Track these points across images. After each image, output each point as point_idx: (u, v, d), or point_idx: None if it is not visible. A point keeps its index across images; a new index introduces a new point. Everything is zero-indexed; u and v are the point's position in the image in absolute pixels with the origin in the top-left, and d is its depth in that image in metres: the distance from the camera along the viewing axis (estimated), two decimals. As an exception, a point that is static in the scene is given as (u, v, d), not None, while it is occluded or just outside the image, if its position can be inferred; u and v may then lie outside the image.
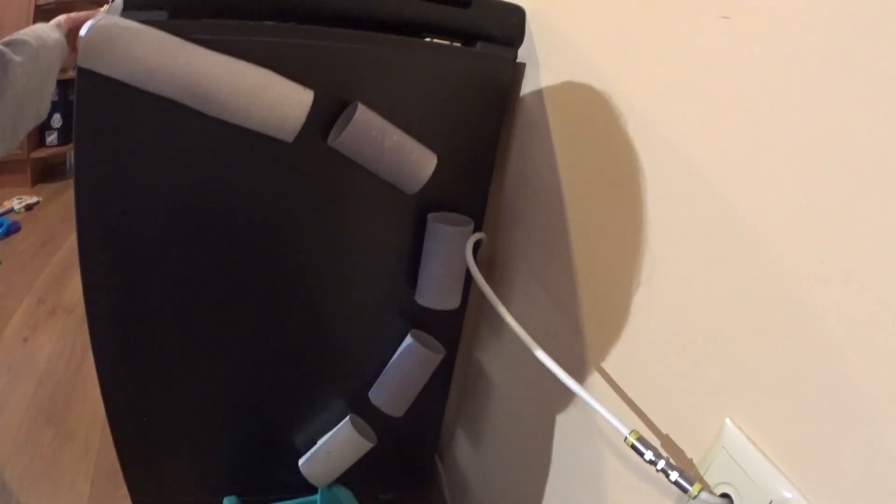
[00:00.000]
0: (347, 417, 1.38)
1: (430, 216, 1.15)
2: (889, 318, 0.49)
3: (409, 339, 1.28)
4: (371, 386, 1.35)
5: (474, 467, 1.47)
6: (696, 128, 0.71)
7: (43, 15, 3.57)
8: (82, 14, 1.06)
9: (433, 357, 1.27)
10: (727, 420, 0.67)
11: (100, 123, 1.01)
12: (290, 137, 1.00)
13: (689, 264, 0.73)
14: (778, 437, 0.61)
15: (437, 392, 1.45)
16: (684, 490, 0.69)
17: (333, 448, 1.38)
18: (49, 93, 0.95)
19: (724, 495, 0.67)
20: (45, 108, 0.94)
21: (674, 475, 0.70)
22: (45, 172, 4.07)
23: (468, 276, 1.17)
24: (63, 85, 3.79)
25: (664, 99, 0.77)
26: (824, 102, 0.55)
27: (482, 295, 1.08)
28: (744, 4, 0.64)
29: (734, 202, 0.66)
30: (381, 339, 1.32)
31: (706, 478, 0.70)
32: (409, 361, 1.29)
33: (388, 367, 1.32)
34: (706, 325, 0.71)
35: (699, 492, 0.68)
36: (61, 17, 1.05)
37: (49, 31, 0.98)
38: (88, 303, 1.15)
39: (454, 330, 1.35)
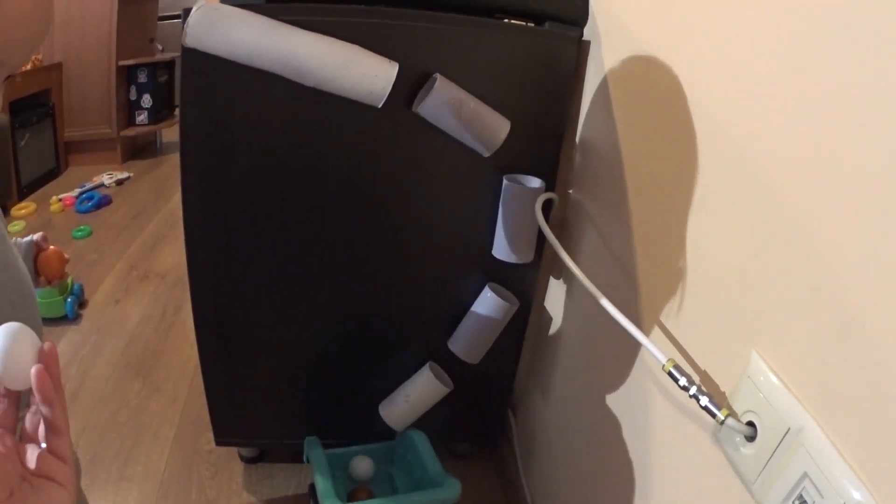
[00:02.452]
0: (427, 364, 1.47)
1: (505, 177, 1.24)
2: (890, 257, 0.54)
3: (486, 291, 1.36)
4: (449, 336, 1.44)
5: (542, 421, 1.52)
6: (738, 96, 0.77)
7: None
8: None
9: (508, 308, 1.35)
10: (753, 352, 0.71)
11: (204, 95, 1.14)
12: (378, 103, 1.10)
13: (725, 222, 0.79)
14: (798, 368, 0.65)
15: (510, 344, 1.52)
16: (713, 415, 0.74)
17: (412, 392, 1.46)
18: None
19: (750, 423, 0.71)
20: None
21: (704, 400, 0.75)
22: (136, 150, 4.21)
23: (541, 233, 1.24)
24: (152, 67, 3.95)
25: (711, 71, 0.83)
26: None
27: (555, 252, 1.14)
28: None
29: (763, 162, 0.71)
30: (460, 291, 1.40)
31: (735, 407, 0.73)
32: (485, 311, 1.36)
33: (465, 317, 1.40)
34: (735, 267, 0.76)
35: (726, 416, 0.72)
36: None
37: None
38: (190, 256, 1.27)
39: (528, 284, 1.42)
